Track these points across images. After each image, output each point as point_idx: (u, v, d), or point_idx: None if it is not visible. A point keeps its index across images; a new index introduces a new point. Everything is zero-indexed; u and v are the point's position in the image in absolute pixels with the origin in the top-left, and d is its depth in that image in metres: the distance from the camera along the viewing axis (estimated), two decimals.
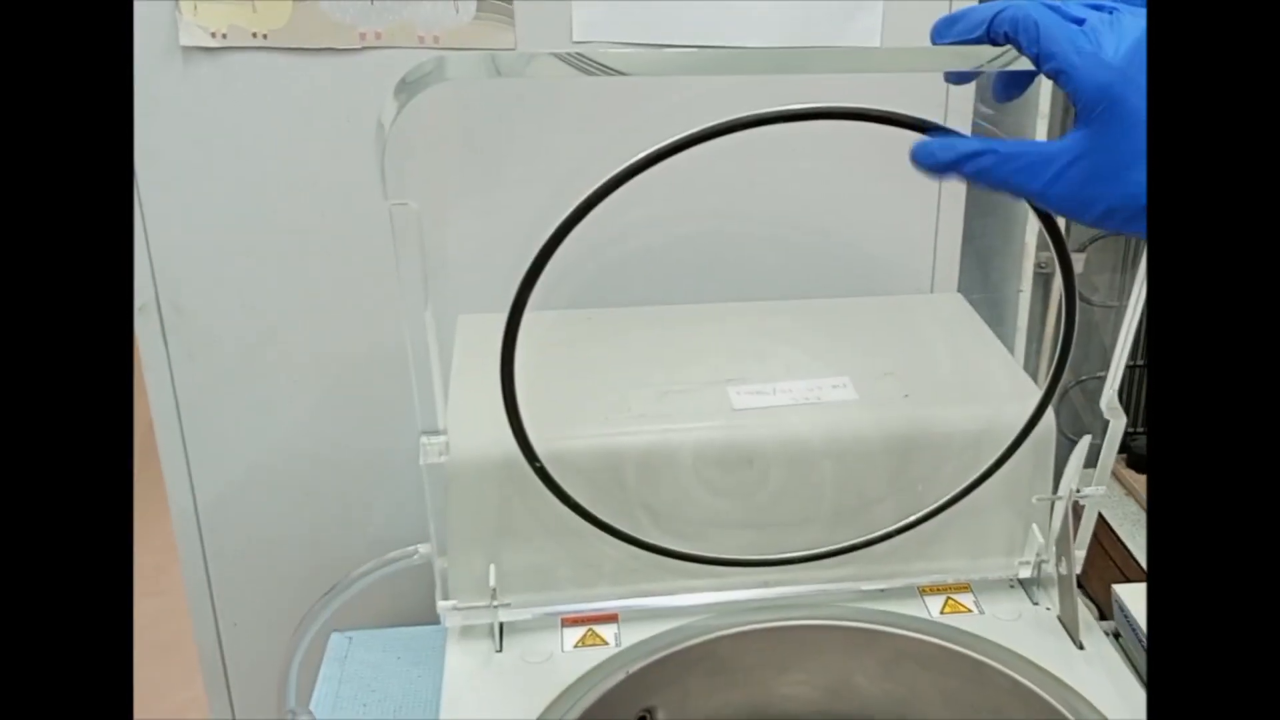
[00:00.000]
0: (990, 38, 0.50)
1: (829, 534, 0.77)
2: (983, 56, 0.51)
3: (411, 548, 0.81)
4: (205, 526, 1.03)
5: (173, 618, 2.23)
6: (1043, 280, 1.10)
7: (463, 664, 0.73)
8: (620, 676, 0.70)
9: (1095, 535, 0.81)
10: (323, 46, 0.89)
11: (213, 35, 0.89)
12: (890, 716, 0.75)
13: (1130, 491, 1.15)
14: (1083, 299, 1.15)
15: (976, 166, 0.50)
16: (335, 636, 1.03)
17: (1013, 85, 0.54)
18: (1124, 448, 1.20)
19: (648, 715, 0.73)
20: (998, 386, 0.83)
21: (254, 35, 0.89)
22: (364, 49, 0.90)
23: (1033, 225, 1.04)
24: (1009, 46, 0.50)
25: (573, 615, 0.74)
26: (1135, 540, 1.07)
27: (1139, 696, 0.69)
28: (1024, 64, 0.49)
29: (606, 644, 0.73)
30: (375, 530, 1.04)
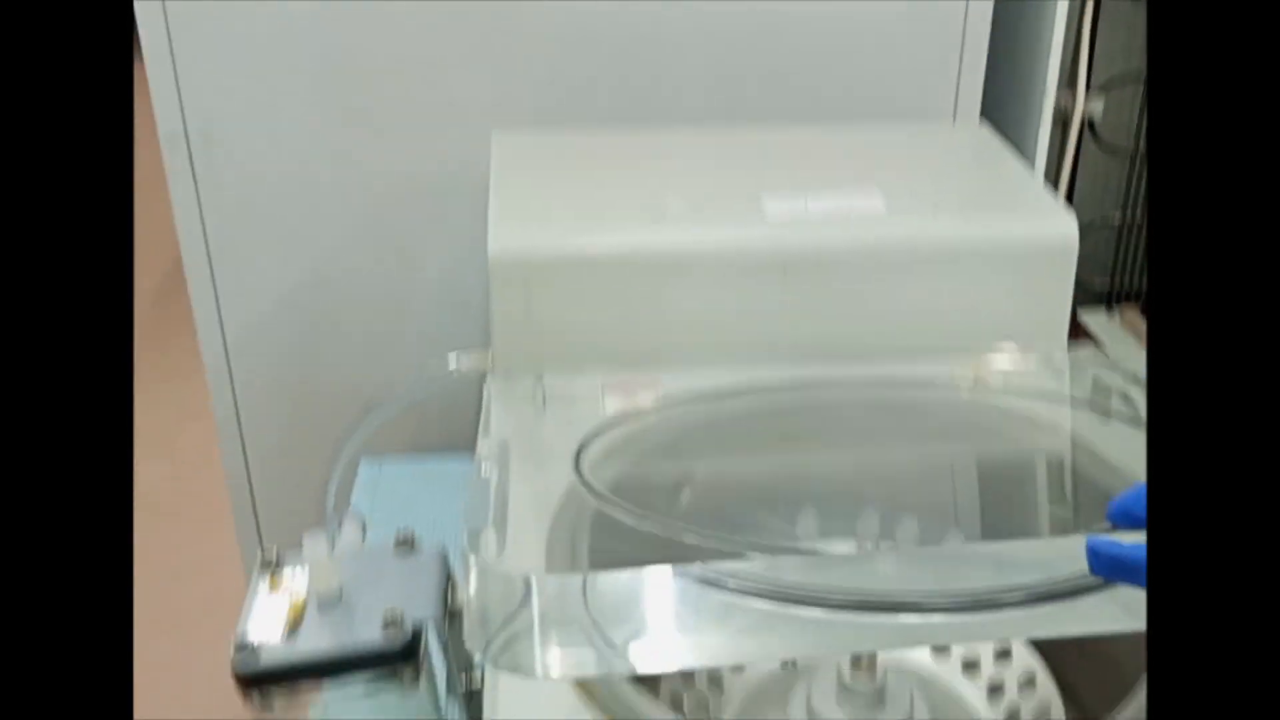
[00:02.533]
0: None
1: (861, 343, 0.79)
2: None
3: (452, 363, 0.82)
4: (234, 360, 1.04)
5: (177, 483, 2.25)
6: (1061, 119, 1.11)
7: (503, 413, 0.74)
8: (662, 434, 0.71)
9: None
10: None
11: None
12: (919, 487, 0.77)
13: (1142, 340, 1.16)
14: (1099, 140, 1.16)
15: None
16: (365, 463, 1.04)
17: None
18: (1136, 296, 1.22)
19: (686, 478, 0.74)
20: (1026, 203, 0.84)
21: None
22: None
23: (1054, 62, 1.05)
24: None
25: (614, 382, 0.75)
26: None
27: None
28: None
29: (647, 408, 0.74)
30: (405, 362, 1.05)
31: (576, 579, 0.55)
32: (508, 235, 0.76)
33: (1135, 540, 0.49)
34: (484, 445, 0.67)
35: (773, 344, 0.77)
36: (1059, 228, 0.77)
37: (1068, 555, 0.52)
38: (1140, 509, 0.50)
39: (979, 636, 0.56)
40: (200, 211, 0.99)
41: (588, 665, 0.53)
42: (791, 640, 0.54)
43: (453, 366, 0.79)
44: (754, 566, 0.53)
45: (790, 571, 0.52)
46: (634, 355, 0.75)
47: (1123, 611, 0.53)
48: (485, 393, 0.73)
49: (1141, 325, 1.17)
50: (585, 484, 0.65)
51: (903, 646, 0.53)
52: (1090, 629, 0.54)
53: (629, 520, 0.60)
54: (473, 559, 0.55)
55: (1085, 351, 0.81)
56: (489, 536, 0.57)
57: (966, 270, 0.77)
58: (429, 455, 1.05)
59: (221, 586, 1.96)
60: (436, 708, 0.72)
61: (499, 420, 0.71)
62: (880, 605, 0.52)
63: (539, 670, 0.52)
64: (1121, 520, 0.51)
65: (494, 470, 0.64)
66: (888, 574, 0.56)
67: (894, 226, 0.79)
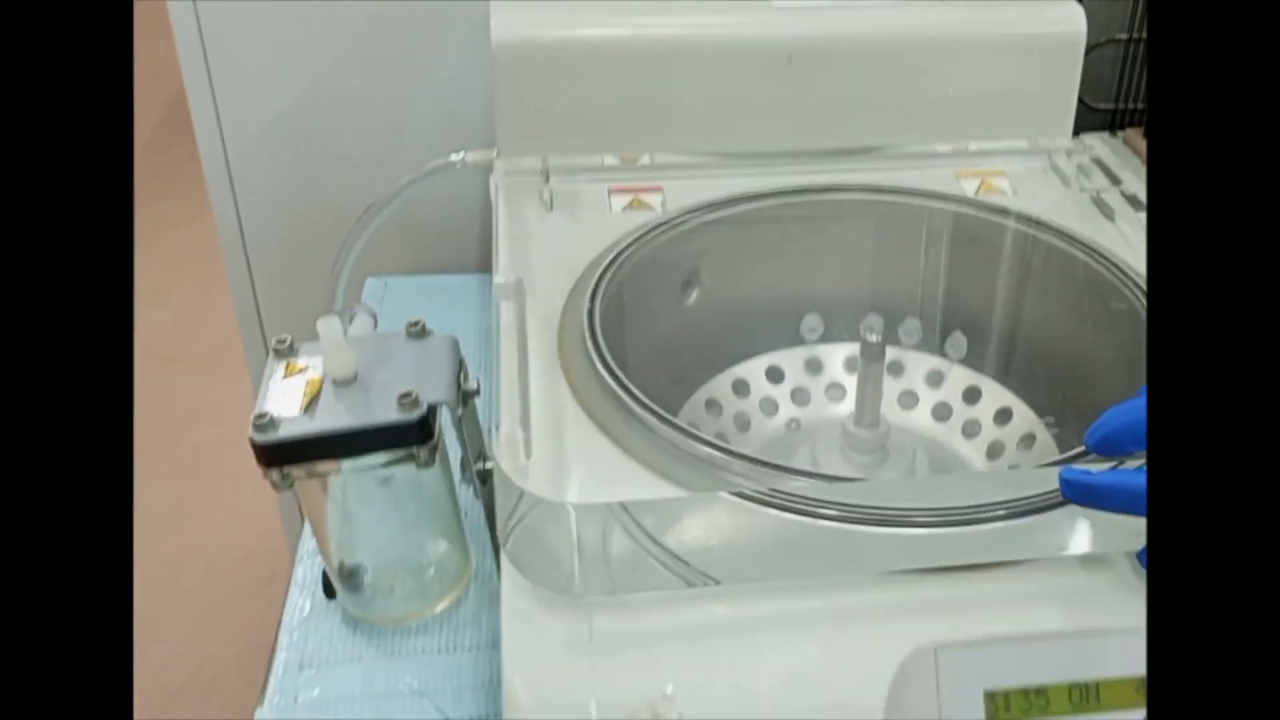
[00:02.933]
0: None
1: (866, 133, 0.79)
2: None
3: (456, 155, 0.82)
4: (236, 176, 1.04)
5: (177, 330, 2.27)
6: None
7: (513, 213, 0.75)
8: (668, 235, 0.72)
9: None
10: None
11: None
12: (925, 283, 0.78)
13: (1145, 161, 1.16)
14: None
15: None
16: (371, 280, 1.05)
17: None
18: (1140, 119, 1.22)
19: (694, 278, 0.75)
20: None
21: None
22: None
23: None
24: None
25: (620, 185, 0.76)
26: None
27: None
28: None
29: (653, 209, 0.74)
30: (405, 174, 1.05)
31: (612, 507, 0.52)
32: (510, 21, 0.75)
33: (1105, 468, 0.51)
34: (498, 281, 0.66)
35: (777, 134, 0.77)
36: (1066, 17, 0.77)
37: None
38: (1119, 437, 0.51)
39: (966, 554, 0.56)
40: (199, 25, 0.97)
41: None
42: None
43: (456, 158, 0.79)
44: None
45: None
46: (637, 146, 0.75)
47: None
48: (491, 187, 0.74)
49: (1143, 146, 1.17)
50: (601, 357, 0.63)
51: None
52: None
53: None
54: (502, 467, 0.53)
55: (1089, 146, 0.81)
56: (516, 440, 0.55)
57: (974, 59, 0.77)
58: (434, 273, 1.06)
59: (226, 431, 2.00)
60: (452, 491, 0.74)
61: (507, 232, 0.71)
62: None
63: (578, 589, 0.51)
64: (1100, 447, 0.52)
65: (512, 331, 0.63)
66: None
67: (902, 14, 0.78)
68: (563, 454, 0.55)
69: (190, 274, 2.38)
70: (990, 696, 0.50)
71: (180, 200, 2.53)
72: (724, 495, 0.51)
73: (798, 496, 0.51)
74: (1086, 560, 0.53)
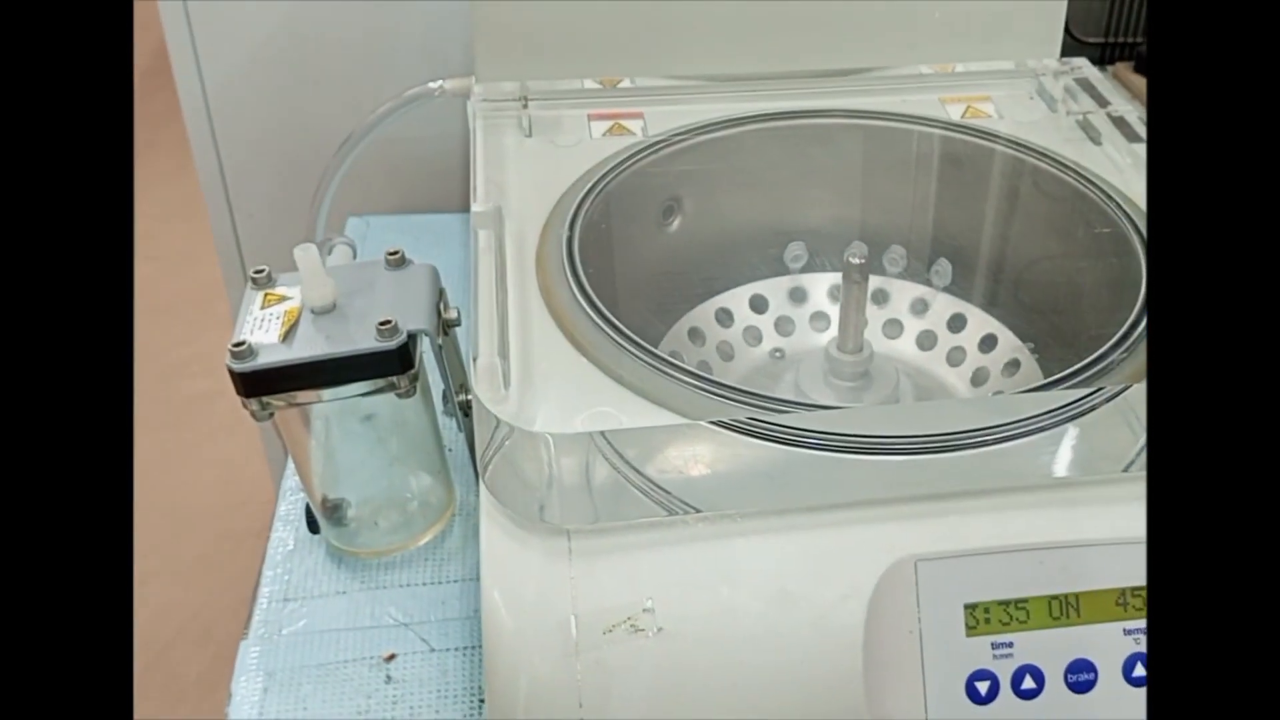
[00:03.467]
0: None
1: (852, 55, 0.78)
2: None
3: (434, 83, 0.81)
4: (215, 118, 1.02)
5: (167, 282, 2.26)
6: None
7: (491, 140, 0.74)
8: (649, 160, 0.71)
9: None
10: None
11: None
12: (910, 210, 0.77)
13: (1135, 95, 1.15)
14: None
15: None
16: (353, 219, 1.04)
17: None
18: (1130, 53, 1.21)
19: (675, 205, 0.74)
20: None
21: None
22: None
23: None
24: None
25: (600, 111, 0.75)
26: None
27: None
28: None
29: (634, 134, 0.74)
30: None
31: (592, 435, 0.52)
32: None
33: None
34: (475, 209, 0.65)
35: (760, 56, 0.76)
36: None
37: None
38: None
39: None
40: None
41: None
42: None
43: (435, 85, 0.78)
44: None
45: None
46: (617, 69, 0.74)
47: None
48: (469, 113, 0.73)
49: (1132, 80, 1.16)
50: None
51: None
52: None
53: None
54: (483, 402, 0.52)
55: (1077, 67, 0.81)
56: (494, 370, 0.54)
57: None
58: (415, 213, 1.05)
59: (216, 382, 1.99)
60: (434, 424, 0.74)
61: (485, 159, 0.70)
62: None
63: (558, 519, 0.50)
64: None
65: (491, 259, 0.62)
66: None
67: None
68: (544, 383, 0.54)
69: (179, 227, 2.37)
70: (970, 608, 0.50)
71: (167, 153, 2.51)
72: (704, 424, 0.51)
73: (778, 426, 0.51)
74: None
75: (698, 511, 0.50)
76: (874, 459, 0.51)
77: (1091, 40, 1.21)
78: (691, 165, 0.73)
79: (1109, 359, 0.56)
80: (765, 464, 0.51)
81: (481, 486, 0.50)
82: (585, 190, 0.67)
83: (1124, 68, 1.18)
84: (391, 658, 0.70)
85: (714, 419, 0.51)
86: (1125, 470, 0.53)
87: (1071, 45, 1.17)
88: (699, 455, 0.51)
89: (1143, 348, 0.57)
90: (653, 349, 0.55)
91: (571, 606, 0.47)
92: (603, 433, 0.50)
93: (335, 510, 0.75)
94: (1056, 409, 0.53)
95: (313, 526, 0.76)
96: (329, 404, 0.71)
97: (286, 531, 0.78)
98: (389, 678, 0.69)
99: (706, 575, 0.49)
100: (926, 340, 0.74)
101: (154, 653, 1.59)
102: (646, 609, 0.47)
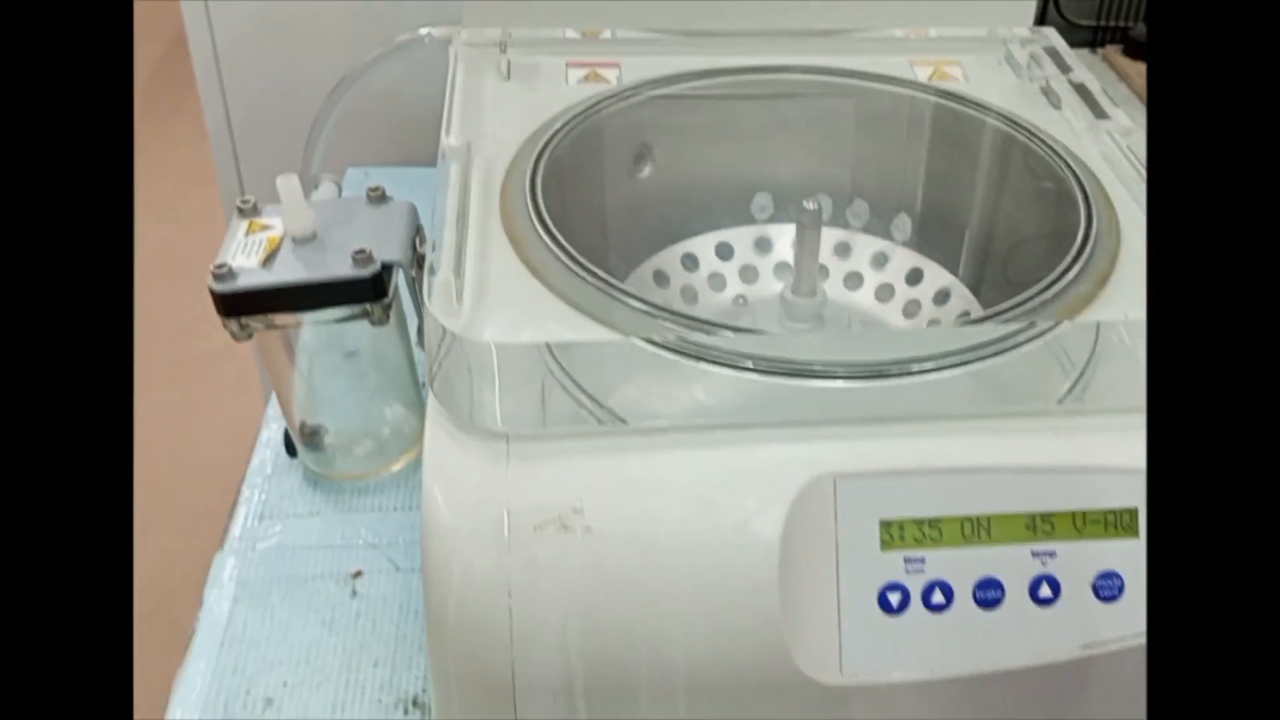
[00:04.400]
0: None
1: (830, 16, 0.81)
2: None
3: (424, 30, 0.84)
4: (225, 71, 1.06)
5: (182, 246, 2.30)
6: None
7: (469, 82, 0.76)
8: (618, 107, 0.74)
9: None
10: None
11: None
12: (872, 166, 0.79)
13: (1123, 77, 1.17)
14: None
15: None
16: (352, 170, 1.07)
17: None
18: (1120, 37, 1.23)
19: (645, 152, 0.77)
20: None
21: None
22: None
23: None
24: None
25: (577, 59, 0.78)
26: None
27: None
28: None
29: (609, 83, 0.76)
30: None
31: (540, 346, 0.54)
32: None
33: None
34: (448, 143, 0.67)
35: (738, 13, 0.78)
36: None
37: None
38: None
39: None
40: None
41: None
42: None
43: (424, 32, 0.81)
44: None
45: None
46: (598, 20, 0.76)
47: None
48: (450, 57, 0.75)
49: (1121, 63, 1.18)
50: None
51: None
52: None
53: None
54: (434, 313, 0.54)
55: (1045, 36, 0.83)
56: (449, 286, 0.56)
57: None
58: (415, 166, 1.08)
59: (228, 342, 2.03)
60: (409, 357, 0.77)
61: (461, 100, 0.73)
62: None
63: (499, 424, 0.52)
64: None
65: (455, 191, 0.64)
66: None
67: None
68: (496, 301, 0.57)
69: (197, 191, 2.41)
70: (885, 525, 0.52)
71: (189, 118, 2.55)
72: (639, 341, 0.53)
73: (711, 347, 0.53)
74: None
75: (624, 423, 0.52)
76: (802, 382, 0.54)
77: (1084, 23, 1.23)
78: (663, 114, 0.76)
79: (1041, 298, 0.58)
80: (697, 384, 0.54)
81: (429, 392, 0.53)
82: (554, 130, 0.69)
83: (1114, 51, 1.20)
84: (358, 574, 0.73)
85: (648, 336, 0.53)
86: (1059, 404, 0.55)
87: (1065, 28, 1.19)
88: (634, 372, 0.54)
89: (1074, 289, 0.59)
90: (600, 272, 0.58)
91: (506, 504, 0.50)
92: (546, 345, 0.53)
93: (313, 436, 0.79)
94: (985, 343, 0.56)
95: (291, 450, 0.80)
96: (312, 338, 0.74)
97: (267, 455, 0.81)
98: (355, 592, 0.72)
99: (634, 482, 0.51)
100: (885, 293, 0.77)
101: (158, 596, 1.63)
102: (576, 509, 0.50)
